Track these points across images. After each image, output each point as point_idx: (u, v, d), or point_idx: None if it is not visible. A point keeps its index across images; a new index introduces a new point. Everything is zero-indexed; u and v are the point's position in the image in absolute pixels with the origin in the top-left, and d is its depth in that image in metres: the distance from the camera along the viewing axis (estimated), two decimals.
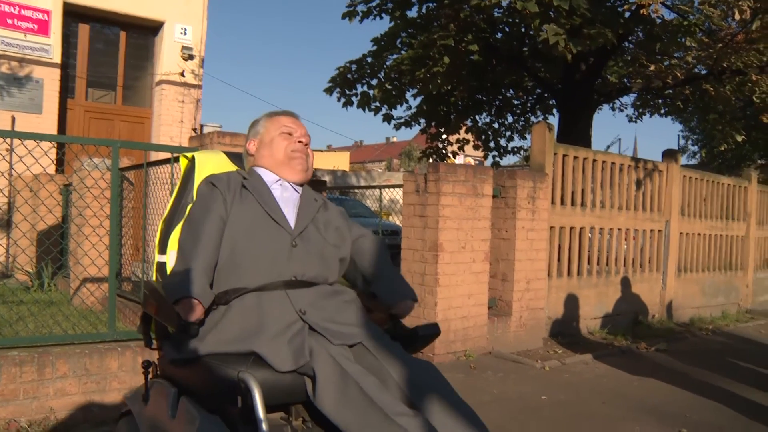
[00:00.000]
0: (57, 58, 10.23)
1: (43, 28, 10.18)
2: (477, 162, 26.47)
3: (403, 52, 11.44)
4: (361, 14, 11.61)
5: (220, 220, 2.18)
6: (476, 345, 6.02)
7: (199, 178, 2.42)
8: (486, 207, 6.12)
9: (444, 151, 13.89)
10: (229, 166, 2.52)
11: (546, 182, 6.69)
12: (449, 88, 11.62)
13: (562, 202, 7.19)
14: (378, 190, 9.51)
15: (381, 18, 12.07)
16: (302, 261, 2.17)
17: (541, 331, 6.70)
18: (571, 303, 7.22)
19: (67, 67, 10.65)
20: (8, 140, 7.94)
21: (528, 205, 6.44)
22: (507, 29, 11.67)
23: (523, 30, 11.33)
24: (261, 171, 2.41)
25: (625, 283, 7.90)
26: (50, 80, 10.18)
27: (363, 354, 2.03)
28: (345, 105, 12.27)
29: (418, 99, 12.74)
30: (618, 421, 4.32)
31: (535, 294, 6.58)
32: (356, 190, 17.56)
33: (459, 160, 16.92)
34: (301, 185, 2.44)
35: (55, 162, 9.35)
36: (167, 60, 11.23)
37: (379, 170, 36.66)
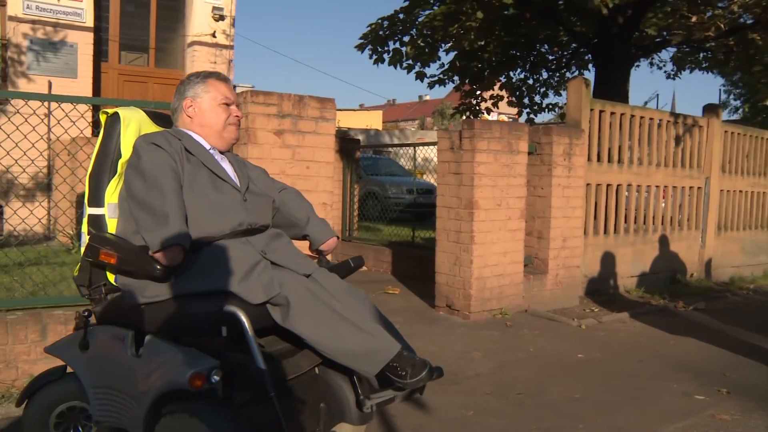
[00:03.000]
0: (90, 21, 10.23)
1: None
2: (510, 119, 26.17)
3: (435, 7, 11.25)
4: None
5: (177, 176, 2.35)
6: (512, 303, 5.99)
7: (125, 134, 2.52)
8: (521, 164, 6.04)
9: (477, 108, 13.71)
10: (151, 125, 2.66)
11: (582, 138, 6.56)
12: (483, 43, 11.44)
13: (599, 159, 7.07)
14: (412, 148, 9.46)
15: None
16: (253, 212, 2.48)
17: (577, 289, 6.65)
18: (608, 261, 7.14)
19: (99, 30, 10.65)
20: (46, 104, 8.07)
21: (564, 161, 6.34)
22: None
23: None
24: (194, 136, 2.57)
25: (663, 241, 7.78)
26: (84, 44, 10.18)
27: (313, 283, 2.32)
28: (376, 62, 12.13)
29: (452, 55, 12.57)
30: (655, 380, 4.28)
31: (571, 252, 6.51)
32: (390, 149, 17.47)
33: (492, 117, 16.72)
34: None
35: (91, 124, 9.42)
36: (198, 21, 11.17)
37: (412, 129, 36.45)
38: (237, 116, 2.63)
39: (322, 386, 2.44)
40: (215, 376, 2.09)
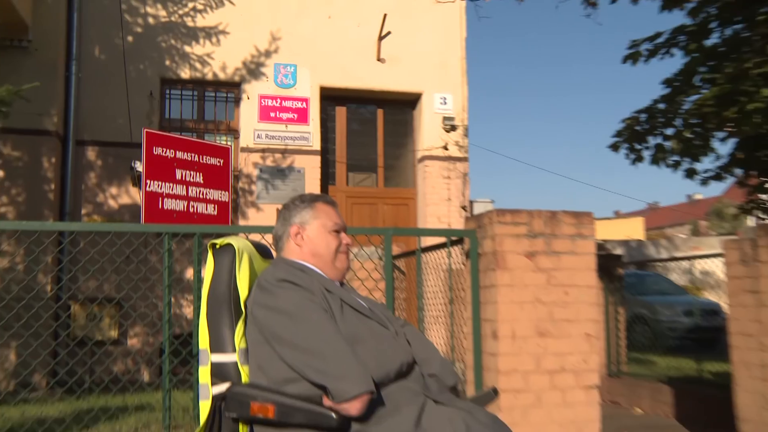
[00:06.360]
0: (316, 144, 10.02)
1: (302, 116, 10.08)
2: None
3: (704, 90, 9.68)
4: (646, 54, 10.12)
5: (329, 317, 2.18)
6: None
7: (240, 268, 2.31)
8: None
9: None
10: (258, 257, 2.49)
11: None
12: None
13: None
14: (685, 261, 8.01)
15: (671, 56, 10.48)
16: (404, 348, 2.33)
17: None
18: None
19: (326, 152, 10.47)
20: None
21: None
22: None
23: None
24: (315, 269, 2.40)
25: None
26: (311, 168, 9.98)
27: (473, 417, 2.23)
28: (635, 162, 10.68)
29: (730, 144, 10.82)
30: None
31: None
32: (657, 263, 16.15)
33: None
34: None
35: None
36: (428, 134, 10.54)
37: (683, 236, 33.32)
38: (347, 244, 2.51)
39: None
40: None
